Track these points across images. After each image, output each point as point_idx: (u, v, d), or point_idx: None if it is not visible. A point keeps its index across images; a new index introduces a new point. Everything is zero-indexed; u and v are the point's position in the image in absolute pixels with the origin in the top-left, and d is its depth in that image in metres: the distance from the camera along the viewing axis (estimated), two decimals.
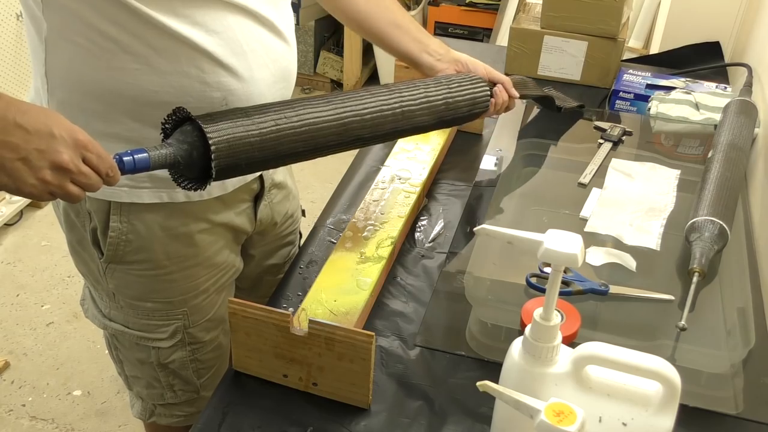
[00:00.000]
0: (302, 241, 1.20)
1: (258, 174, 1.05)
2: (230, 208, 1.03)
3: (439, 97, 1.05)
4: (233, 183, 1.00)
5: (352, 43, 3.13)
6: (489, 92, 1.15)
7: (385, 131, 0.99)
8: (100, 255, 0.99)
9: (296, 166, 1.08)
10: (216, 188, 0.98)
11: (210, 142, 0.80)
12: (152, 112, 0.86)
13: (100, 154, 0.75)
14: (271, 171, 1.09)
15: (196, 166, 0.82)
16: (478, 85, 1.13)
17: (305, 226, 1.23)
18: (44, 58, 0.87)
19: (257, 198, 1.08)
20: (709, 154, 1.23)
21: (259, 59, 0.92)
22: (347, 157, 1.19)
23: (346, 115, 0.93)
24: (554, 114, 1.39)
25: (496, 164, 1.30)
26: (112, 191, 0.92)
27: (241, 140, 0.83)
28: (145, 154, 0.78)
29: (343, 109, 0.93)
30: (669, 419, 0.69)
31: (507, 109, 1.21)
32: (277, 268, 1.22)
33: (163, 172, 0.86)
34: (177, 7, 0.83)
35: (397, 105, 0.99)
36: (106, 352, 1.16)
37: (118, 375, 1.17)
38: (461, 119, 1.12)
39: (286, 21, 0.98)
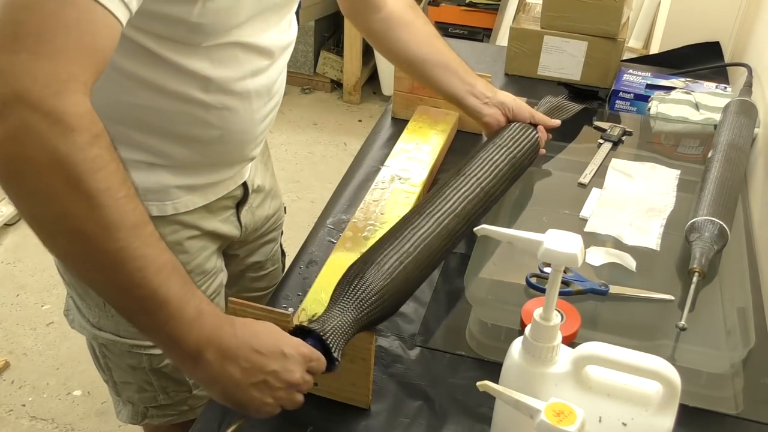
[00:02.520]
0: (283, 238, 1.22)
1: (242, 181, 1.06)
2: (215, 216, 1.04)
3: (505, 161, 1.10)
4: (215, 192, 1.01)
5: (352, 43, 3.13)
6: (537, 135, 1.19)
7: (475, 216, 1.03)
8: None
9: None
10: (199, 198, 0.99)
11: (334, 356, 0.77)
12: (156, 143, 0.90)
13: (320, 359, 0.76)
14: (251, 174, 1.09)
15: None
16: (530, 135, 1.18)
17: (305, 226, 1.23)
18: None
19: (239, 204, 1.08)
20: (709, 154, 1.23)
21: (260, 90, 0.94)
22: (347, 157, 1.20)
23: (444, 218, 0.96)
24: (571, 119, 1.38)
25: None
26: None
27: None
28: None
29: (441, 215, 0.96)
30: (669, 419, 0.69)
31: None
32: (259, 265, 1.23)
33: (155, 185, 0.92)
34: (196, 51, 0.85)
35: (478, 189, 1.03)
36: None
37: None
38: (523, 170, 1.16)
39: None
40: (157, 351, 1.05)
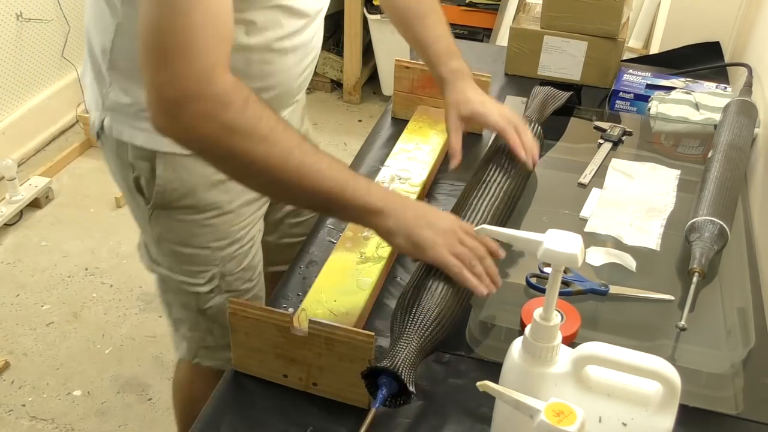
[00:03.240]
0: None
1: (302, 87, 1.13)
2: None
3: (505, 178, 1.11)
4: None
5: (352, 43, 3.13)
6: (539, 128, 1.22)
7: (503, 219, 1.07)
8: (146, 202, 1.06)
9: None
10: None
11: (410, 389, 0.79)
12: None
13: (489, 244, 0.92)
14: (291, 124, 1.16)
15: None
16: (533, 129, 1.19)
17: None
18: (112, 38, 0.96)
19: None
20: (709, 154, 1.23)
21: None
22: (347, 157, 1.20)
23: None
24: (553, 114, 1.39)
25: None
26: (153, 140, 0.99)
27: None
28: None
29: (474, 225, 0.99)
30: (669, 419, 0.69)
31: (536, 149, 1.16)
32: (296, 212, 1.31)
33: None
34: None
35: (501, 193, 1.06)
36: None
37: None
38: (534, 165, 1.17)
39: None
40: (202, 290, 1.13)
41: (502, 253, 0.91)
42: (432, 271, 0.91)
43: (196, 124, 0.78)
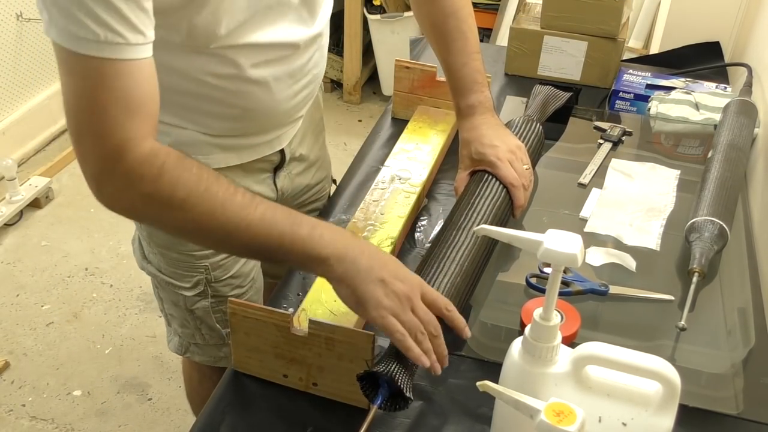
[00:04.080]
0: None
1: (279, 148, 1.11)
2: (249, 176, 1.09)
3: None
4: (249, 155, 1.06)
5: (352, 43, 3.13)
6: (540, 129, 1.21)
7: (505, 218, 1.06)
8: None
9: None
10: (234, 157, 1.05)
11: (407, 395, 0.79)
12: (186, 114, 0.98)
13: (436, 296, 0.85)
14: (294, 143, 1.14)
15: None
16: (534, 128, 1.19)
17: None
18: None
19: (277, 169, 1.14)
20: (709, 154, 1.23)
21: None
22: (347, 157, 1.20)
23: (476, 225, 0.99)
24: (554, 114, 1.39)
25: None
26: None
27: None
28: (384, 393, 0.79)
29: (475, 225, 0.98)
30: (669, 419, 0.69)
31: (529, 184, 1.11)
32: None
33: (188, 139, 0.98)
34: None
35: (503, 192, 1.05)
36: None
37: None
38: (535, 164, 1.17)
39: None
40: (188, 293, 1.13)
41: (468, 333, 0.84)
42: (434, 269, 0.91)
43: (115, 197, 0.78)
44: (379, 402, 0.78)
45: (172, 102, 0.92)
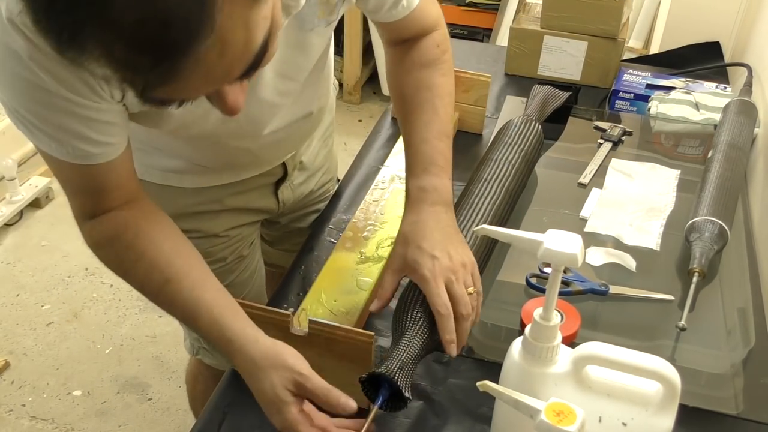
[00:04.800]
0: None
1: (282, 161, 1.10)
2: (249, 192, 1.09)
3: (518, 157, 1.12)
4: (248, 171, 1.06)
5: (352, 43, 3.13)
6: (539, 127, 1.21)
7: (504, 217, 1.06)
8: None
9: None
10: (227, 176, 1.05)
11: (405, 395, 0.78)
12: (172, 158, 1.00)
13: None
14: (297, 155, 1.13)
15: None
16: (533, 127, 1.20)
17: None
18: None
19: (279, 181, 1.13)
20: (709, 154, 1.23)
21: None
22: (347, 157, 1.19)
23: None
24: (553, 114, 1.39)
25: None
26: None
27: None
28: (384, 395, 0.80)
29: (474, 225, 0.97)
30: (669, 419, 0.69)
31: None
32: (303, 231, 1.26)
33: (173, 166, 1.00)
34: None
35: (503, 192, 1.05)
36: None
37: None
38: (534, 164, 1.18)
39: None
40: None
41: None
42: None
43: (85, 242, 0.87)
44: (380, 402, 0.78)
45: (161, 152, 0.98)
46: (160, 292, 0.83)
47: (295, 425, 0.77)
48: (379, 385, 0.79)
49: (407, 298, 0.87)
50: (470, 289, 0.85)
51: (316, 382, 0.78)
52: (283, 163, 1.10)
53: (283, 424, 0.78)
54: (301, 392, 0.79)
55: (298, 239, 1.22)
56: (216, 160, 1.01)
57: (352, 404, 0.78)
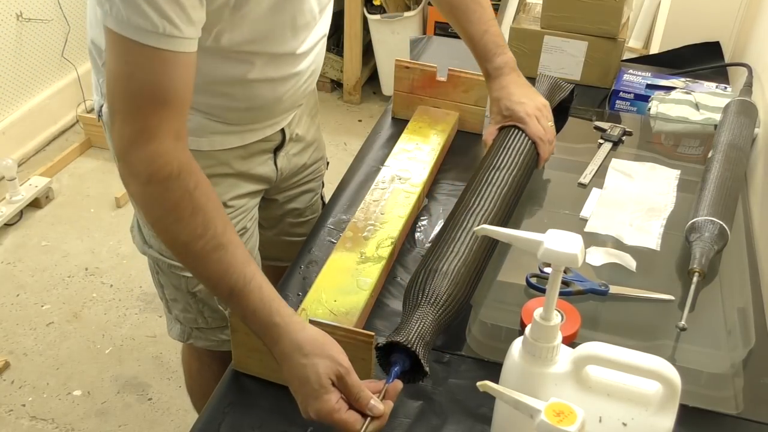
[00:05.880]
0: (327, 200, 1.26)
1: (280, 127, 1.14)
2: (251, 159, 1.11)
3: (526, 146, 1.15)
4: (252, 136, 1.09)
5: (352, 43, 3.13)
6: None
7: (512, 204, 1.09)
8: None
9: None
10: (236, 139, 1.07)
11: (424, 366, 0.82)
12: (198, 105, 0.99)
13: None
14: (293, 124, 1.17)
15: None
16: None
17: None
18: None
19: (277, 149, 1.16)
20: (709, 154, 1.23)
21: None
22: (347, 157, 1.20)
23: (488, 213, 1.02)
24: (553, 113, 1.38)
25: None
26: None
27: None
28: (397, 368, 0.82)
29: (485, 210, 1.02)
30: (669, 419, 0.69)
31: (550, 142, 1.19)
32: (298, 212, 1.31)
33: (191, 123, 0.97)
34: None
35: (510, 179, 1.08)
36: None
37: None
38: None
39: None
40: (189, 274, 1.13)
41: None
42: (446, 248, 0.93)
43: (123, 179, 0.83)
44: (396, 371, 0.80)
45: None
46: (211, 255, 0.81)
47: (334, 413, 0.79)
48: (392, 358, 0.81)
49: (422, 272, 0.91)
50: (550, 123, 1.18)
51: (355, 379, 0.80)
52: (282, 131, 1.14)
53: (320, 412, 0.79)
54: (340, 384, 0.80)
55: (291, 221, 1.31)
56: (240, 103, 1.02)
57: (379, 407, 0.79)
